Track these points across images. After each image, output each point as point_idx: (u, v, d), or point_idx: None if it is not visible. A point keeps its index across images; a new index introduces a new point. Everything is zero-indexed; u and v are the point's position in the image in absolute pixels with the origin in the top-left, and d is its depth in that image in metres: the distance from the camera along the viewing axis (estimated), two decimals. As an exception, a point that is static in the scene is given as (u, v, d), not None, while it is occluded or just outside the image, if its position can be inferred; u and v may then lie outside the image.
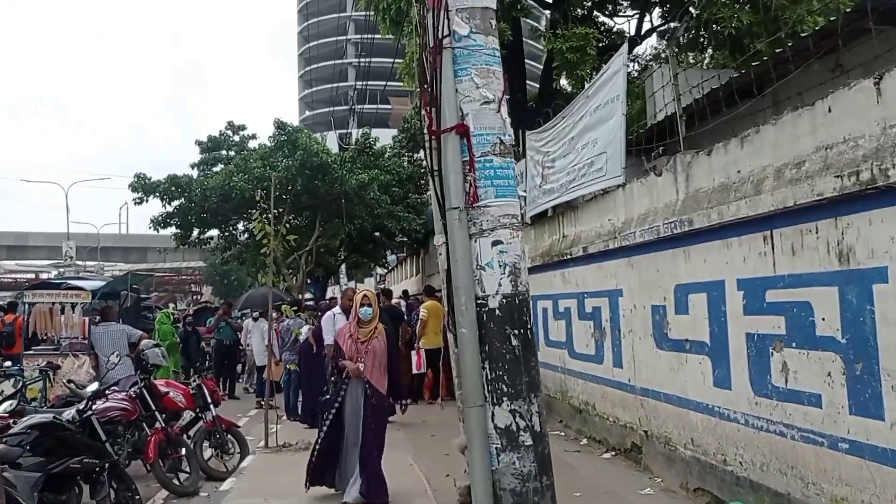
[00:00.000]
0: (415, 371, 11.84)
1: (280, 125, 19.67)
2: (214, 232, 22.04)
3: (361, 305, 6.18)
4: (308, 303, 17.07)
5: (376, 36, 18.46)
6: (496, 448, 3.77)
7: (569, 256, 8.65)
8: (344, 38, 66.99)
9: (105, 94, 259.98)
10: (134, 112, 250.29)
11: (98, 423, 5.80)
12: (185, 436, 7.75)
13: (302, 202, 19.83)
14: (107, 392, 6.83)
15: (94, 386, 7.00)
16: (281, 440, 8.64)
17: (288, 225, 19.66)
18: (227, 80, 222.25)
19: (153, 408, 7.24)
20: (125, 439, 6.99)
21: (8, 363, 8.65)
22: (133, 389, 7.25)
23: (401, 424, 9.95)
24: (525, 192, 10.05)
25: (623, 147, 7.25)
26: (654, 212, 6.53)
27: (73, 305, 9.44)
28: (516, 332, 3.86)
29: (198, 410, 7.86)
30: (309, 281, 23.55)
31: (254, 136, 23.31)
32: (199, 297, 51.41)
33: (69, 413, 5.65)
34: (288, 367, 10.13)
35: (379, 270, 37.26)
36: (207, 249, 24.29)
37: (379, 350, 6.10)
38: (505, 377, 3.84)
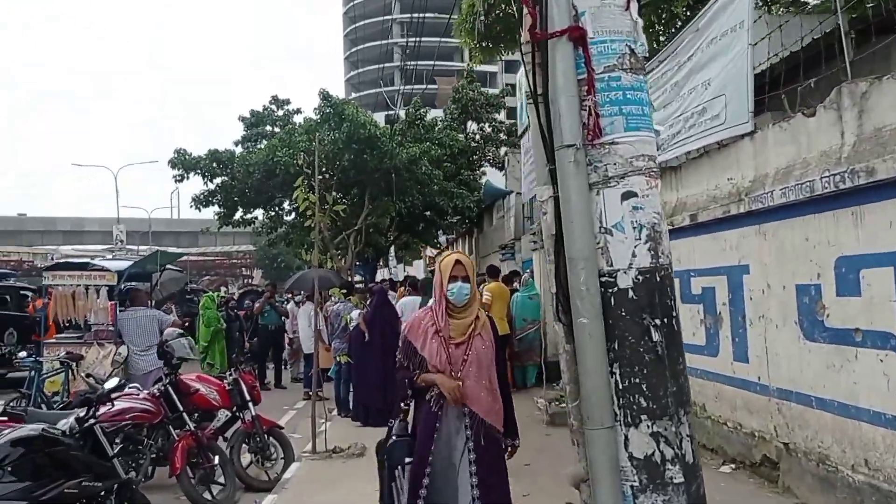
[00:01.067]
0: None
1: (325, 96, 18.47)
2: (259, 212, 21.08)
3: (452, 280, 3.58)
4: (357, 285, 15.96)
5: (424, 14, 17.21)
6: (632, 487, 2.64)
7: (669, 227, 7.17)
8: (390, 17, 65.81)
9: (153, 74, 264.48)
10: (185, 92, 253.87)
11: (103, 433, 4.65)
12: (219, 439, 6.65)
13: (350, 178, 18.66)
14: (122, 390, 5.72)
15: (112, 381, 5.90)
16: (331, 442, 7.45)
17: (336, 195, 18.60)
18: (273, 63, 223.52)
19: (180, 408, 6.12)
20: (147, 446, 5.89)
21: (22, 353, 7.64)
22: (157, 387, 6.13)
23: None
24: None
25: (751, 85, 5.76)
26: (802, 164, 5.05)
27: (98, 288, 8.42)
28: (658, 321, 2.68)
29: (235, 409, 6.73)
30: (358, 262, 22.45)
31: (298, 111, 22.19)
32: (249, 280, 51.23)
33: (66, 422, 4.52)
34: (337, 357, 8.95)
35: (429, 252, 36.10)
36: (254, 231, 23.30)
37: (485, 356, 3.57)
38: (643, 386, 2.68)
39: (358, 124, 17.51)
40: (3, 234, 58.27)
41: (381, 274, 29.21)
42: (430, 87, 43.99)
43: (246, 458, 6.74)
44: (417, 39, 22.40)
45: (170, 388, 6.10)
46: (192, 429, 6.06)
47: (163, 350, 6.32)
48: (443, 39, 27.66)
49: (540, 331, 11.65)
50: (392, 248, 27.10)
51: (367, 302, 8.84)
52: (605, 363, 2.68)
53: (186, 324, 15.39)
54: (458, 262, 3.64)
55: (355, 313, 8.67)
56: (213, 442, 6.32)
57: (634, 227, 2.70)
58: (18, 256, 51.53)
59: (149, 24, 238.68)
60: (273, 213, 20.95)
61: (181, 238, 69.57)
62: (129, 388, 6.04)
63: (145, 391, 6.13)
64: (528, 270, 12.54)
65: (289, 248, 23.52)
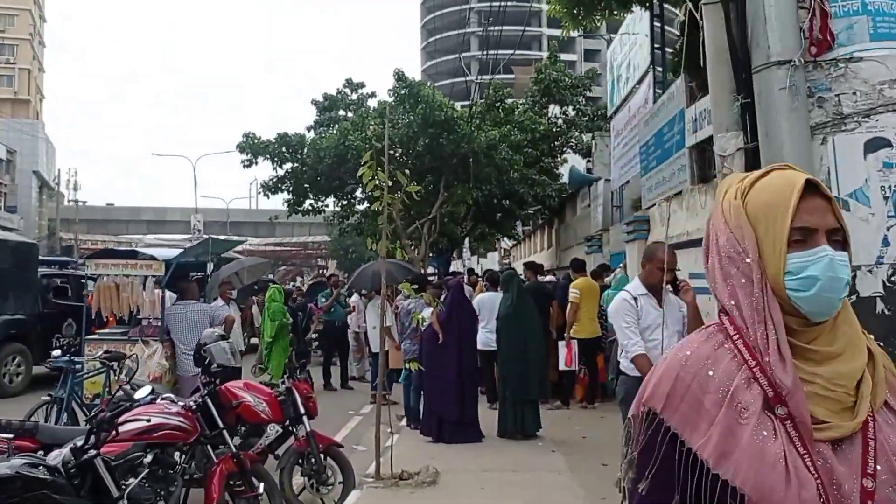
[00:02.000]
0: (563, 367, 9.32)
1: (400, 76, 17.47)
2: (331, 200, 20.32)
3: (798, 243, 1.15)
4: (430, 278, 14.87)
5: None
6: None
7: None
8: (467, 6, 64.62)
9: (227, 65, 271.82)
10: (264, 84, 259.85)
11: (105, 468, 3.65)
12: (268, 458, 5.67)
13: (425, 164, 17.61)
14: (152, 402, 4.78)
15: (145, 391, 4.99)
16: (398, 462, 6.36)
17: (408, 178, 17.66)
18: (349, 53, 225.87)
19: (220, 424, 5.15)
20: (179, 471, 4.93)
21: (56, 352, 6.84)
22: (194, 398, 5.18)
23: (553, 442, 7.51)
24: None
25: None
26: None
27: (145, 279, 7.62)
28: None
29: (287, 424, 5.74)
30: (431, 254, 21.42)
31: (373, 95, 21.29)
32: (324, 271, 51.17)
33: (59, 455, 3.56)
34: (407, 363, 7.88)
35: (503, 244, 34.77)
36: (325, 220, 22.54)
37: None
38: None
39: (434, 106, 16.45)
40: (93, 224, 60.38)
41: (455, 266, 28.13)
42: (507, 76, 42.70)
43: (298, 481, 5.74)
44: (497, 29, 21.16)
45: (208, 401, 5.14)
46: (234, 450, 5.07)
47: (199, 355, 5.37)
48: (521, 28, 26.36)
49: None
50: (467, 240, 25.99)
51: (441, 298, 7.72)
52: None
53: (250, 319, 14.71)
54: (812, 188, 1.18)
55: (427, 311, 7.56)
56: (258, 465, 5.33)
57: (887, 196, 1.48)
58: (105, 245, 53.19)
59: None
60: (345, 202, 20.13)
61: (259, 228, 70.52)
62: (162, 398, 5.11)
63: (181, 402, 5.18)
64: (620, 265, 11.16)
65: (360, 237, 22.69)
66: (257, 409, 5.64)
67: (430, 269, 20.91)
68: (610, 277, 11.20)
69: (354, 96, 21.02)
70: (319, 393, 11.11)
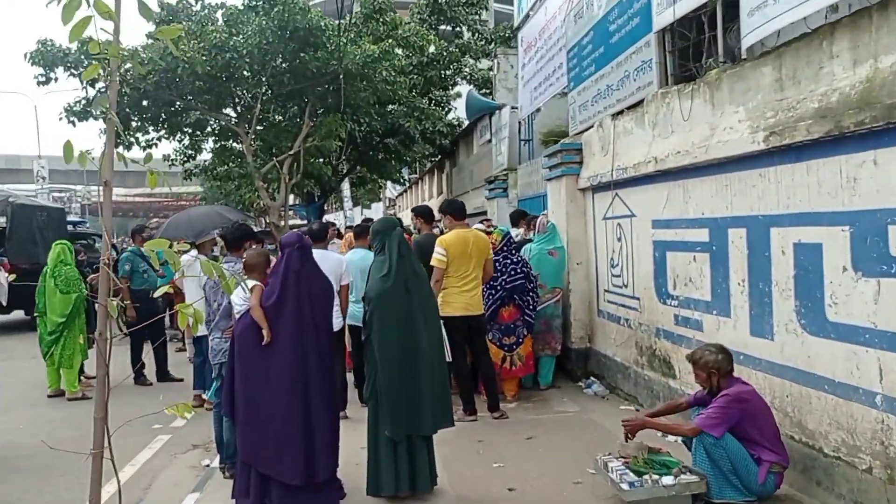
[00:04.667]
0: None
1: (249, -28, 13.53)
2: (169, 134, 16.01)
3: None
4: (292, 230, 11.27)
5: None
6: None
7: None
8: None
9: None
10: None
11: None
12: None
13: (284, 85, 13.88)
14: None
15: None
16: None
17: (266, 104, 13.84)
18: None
19: None
20: None
21: None
22: None
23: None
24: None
25: None
26: None
27: None
28: None
29: None
30: (299, 202, 17.76)
31: (222, 5, 17.03)
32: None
33: None
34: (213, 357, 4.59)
35: (389, 191, 31.38)
36: (168, 161, 18.03)
37: None
38: None
39: (293, 10, 12.70)
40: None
41: (334, 219, 24.38)
42: None
43: None
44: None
45: None
46: None
47: None
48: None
49: (560, 304, 7.45)
50: (346, 186, 22.28)
51: (272, 266, 4.39)
52: None
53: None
54: None
55: (238, 296, 4.24)
56: None
57: None
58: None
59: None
60: (185, 135, 15.90)
61: (127, 178, 63.79)
62: None
63: None
64: (544, 213, 8.23)
65: (216, 181, 18.49)
66: None
67: (296, 221, 17.25)
68: (529, 227, 8.26)
69: (198, 6, 16.63)
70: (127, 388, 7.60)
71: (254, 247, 5.38)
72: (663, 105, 5.89)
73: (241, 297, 4.25)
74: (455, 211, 6.50)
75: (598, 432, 5.70)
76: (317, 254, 4.74)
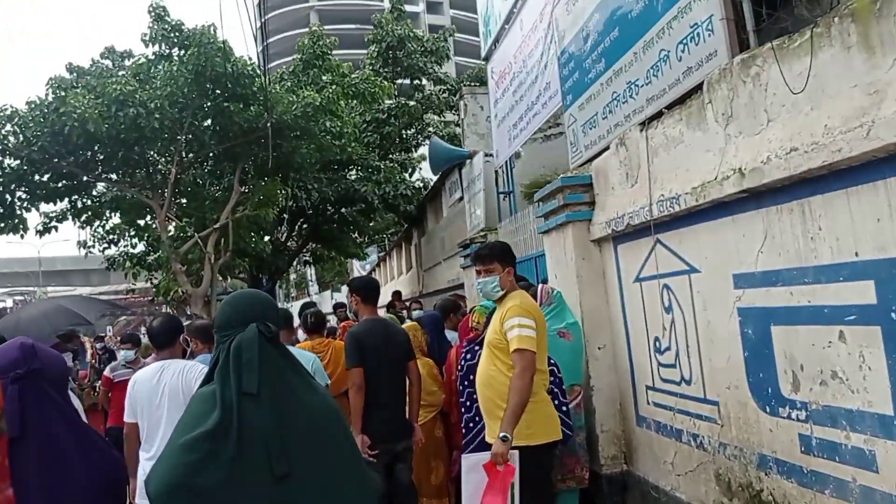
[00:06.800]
0: None
1: (158, 16, 11.15)
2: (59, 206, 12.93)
3: None
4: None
5: None
6: None
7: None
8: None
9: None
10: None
11: None
12: None
13: (207, 145, 11.37)
14: None
15: None
16: None
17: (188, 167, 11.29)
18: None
19: None
20: None
21: None
22: None
23: None
24: None
25: None
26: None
27: None
28: None
29: None
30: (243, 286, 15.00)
31: (130, 55, 14.54)
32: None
33: None
34: None
35: (357, 271, 28.69)
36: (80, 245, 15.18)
37: None
38: None
39: (210, 53, 10.33)
40: None
41: (299, 306, 21.45)
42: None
43: None
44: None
45: None
46: None
47: None
48: None
49: (583, 410, 4.90)
50: (312, 271, 19.48)
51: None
52: None
53: None
54: None
55: None
56: None
57: None
58: None
59: None
60: (90, 210, 13.04)
61: (91, 276, 61.25)
62: None
63: None
64: (542, 282, 5.69)
65: (137, 267, 15.51)
66: None
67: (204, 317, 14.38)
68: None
69: (110, 63, 14.23)
70: None
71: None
72: (745, 81, 3.40)
73: None
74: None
75: None
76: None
